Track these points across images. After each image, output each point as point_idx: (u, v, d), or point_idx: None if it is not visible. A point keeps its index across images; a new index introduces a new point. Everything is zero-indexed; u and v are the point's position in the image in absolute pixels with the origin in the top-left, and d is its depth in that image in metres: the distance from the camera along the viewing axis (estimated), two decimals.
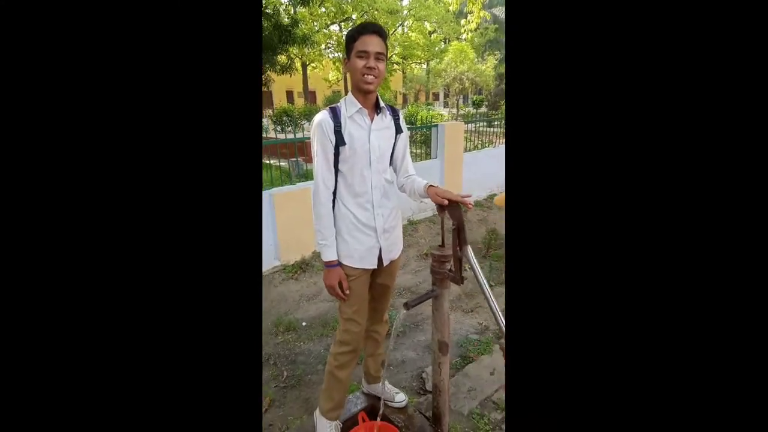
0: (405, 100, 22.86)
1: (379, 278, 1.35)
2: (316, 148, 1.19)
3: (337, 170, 1.21)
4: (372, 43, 1.13)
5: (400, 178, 1.35)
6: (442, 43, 18.31)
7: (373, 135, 1.21)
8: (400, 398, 1.51)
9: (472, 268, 1.07)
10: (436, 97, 25.79)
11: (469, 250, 1.08)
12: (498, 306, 1.01)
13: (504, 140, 6.16)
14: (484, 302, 2.52)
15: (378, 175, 1.24)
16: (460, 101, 18.70)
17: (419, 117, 8.24)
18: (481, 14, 7.07)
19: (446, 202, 1.12)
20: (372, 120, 1.22)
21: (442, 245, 1.20)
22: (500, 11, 19.84)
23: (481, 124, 6.09)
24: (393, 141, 1.28)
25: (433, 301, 1.23)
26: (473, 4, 6.69)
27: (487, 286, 1.04)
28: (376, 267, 1.29)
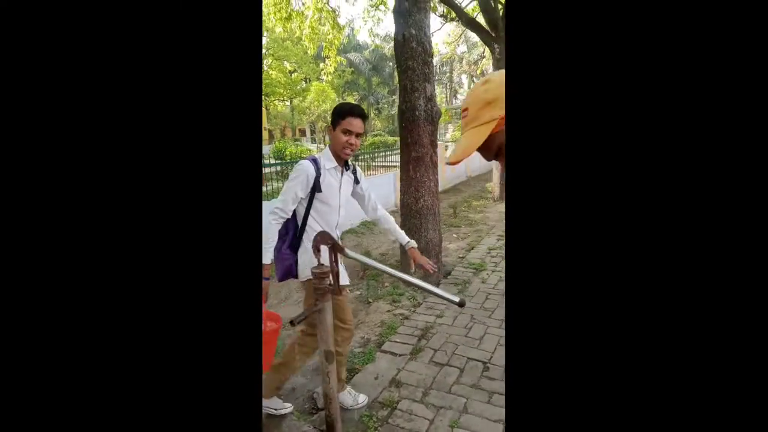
0: (271, 136, 22.63)
1: None
2: (293, 184, 1.54)
3: (309, 207, 1.59)
4: (357, 125, 1.51)
5: (371, 214, 1.83)
6: (303, 82, 18.96)
7: (342, 186, 1.66)
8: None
9: (360, 261, 1.30)
10: (303, 132, 26.26)
11: (348, 251, 1.29)
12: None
13: (371, 173, 6.73)
14: (365, 318, 2.74)
15: (341, 216, 1.72)
16: (326, 137, 19.35)
17: (288, 152, 8.34)
18: (337, 59, 7.74)
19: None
20: (342, 175, 1.65)
21: (320, 264, 1.38)
22: (354, 56, 21.68)
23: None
24: (351, 189, 1.74)
25: (317, 315, 1.38)
26: (329, 49, 7.30)
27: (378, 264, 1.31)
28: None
